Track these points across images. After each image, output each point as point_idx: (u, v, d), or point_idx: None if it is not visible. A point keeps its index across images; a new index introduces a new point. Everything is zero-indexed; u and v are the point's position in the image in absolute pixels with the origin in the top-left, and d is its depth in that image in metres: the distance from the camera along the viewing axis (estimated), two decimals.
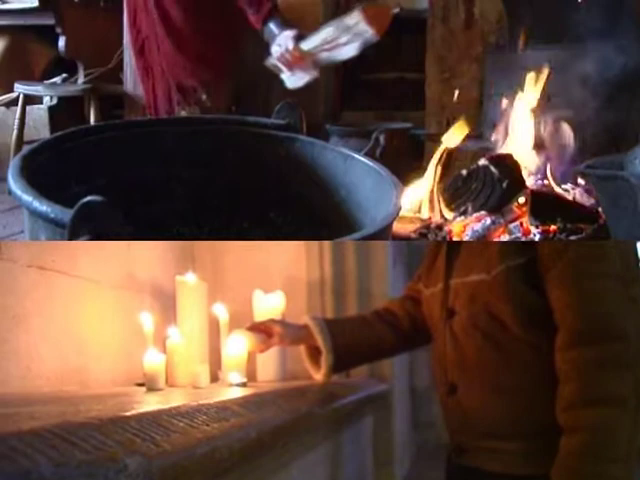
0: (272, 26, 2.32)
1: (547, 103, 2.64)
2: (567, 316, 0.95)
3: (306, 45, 2.26)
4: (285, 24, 2.33)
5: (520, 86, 2.62)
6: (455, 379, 1.07)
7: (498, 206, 2.11)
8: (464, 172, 2.19)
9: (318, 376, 1.30)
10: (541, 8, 2.81)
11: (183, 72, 2.59)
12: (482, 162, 2.19)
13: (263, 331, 1.31)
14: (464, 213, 2.12)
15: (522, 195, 2.13)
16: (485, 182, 2.13)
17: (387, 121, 3.75)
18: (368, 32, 2.19)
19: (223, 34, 2.63)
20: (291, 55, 2.23)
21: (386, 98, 3.94)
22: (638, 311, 0.94)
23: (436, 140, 3.33)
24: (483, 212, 2.06)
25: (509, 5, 3.12)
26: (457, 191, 2.18)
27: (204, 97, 2.56)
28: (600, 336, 0.92)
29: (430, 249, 1.22)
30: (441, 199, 2.20)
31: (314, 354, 1.30)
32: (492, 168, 2.14)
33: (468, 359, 1.05)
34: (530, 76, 2.51)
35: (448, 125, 3.56)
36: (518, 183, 2.16)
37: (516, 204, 2.11)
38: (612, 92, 2.67)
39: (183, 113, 2.59)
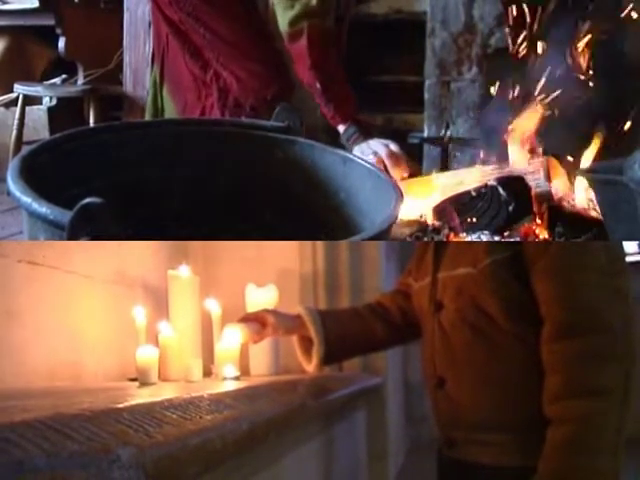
0: (354, 128, 2.21)
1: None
2: (552, 309, 0.96)
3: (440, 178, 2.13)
4: (367, 128, 2.24)
5: None
6: (443, 372, 1.08)
7: (502, 228, 2.11)
8: (473, 192, 2.19)
9: (309, 367, 1.30)
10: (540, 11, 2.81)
11: (258, 83, 2.51)
12: (491, 182, 2.18)
13: (256, 321, 1.31)
14: (465, 230, 2.12)
15: (528, 220, 2.13)
16: (491, 203, 2.12)
17: (386, 124, 3.74)
18: (543, 187, 2.08)
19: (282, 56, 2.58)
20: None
21: (385, 101, 3.94)
22: (624, 303, 0.95)
23: (435, 143, 3.32)
24: (486, 232, 2.07)
25: (509, 8, 3.12)
26: (463, 207, 2.18)
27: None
28: (585, 328, 0.93)
29: (420, 243, 1.23)
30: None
31: (306, 345, 1.30)
32: (500, 190, 2.13)
33: (456, 352, 1.05)
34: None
35: (447, 128, 3.56)
36: (525, 207, 2.15)
37: (523, 226, 2.11)
38: (615, 95, 2.67)
39: None
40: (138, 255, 1.63)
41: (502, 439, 1.00)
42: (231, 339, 1.30)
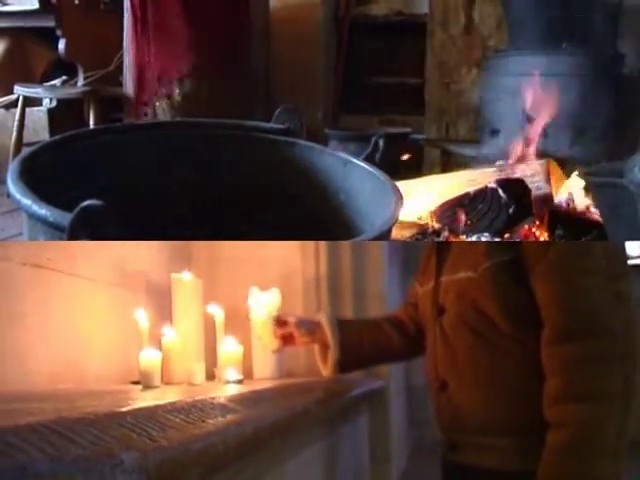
0: None
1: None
2: (552, 312, 0.95)
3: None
4: None
5: None
6: (446, 376, 1.08)
7: (502, 230, 2.10)
8: (471, 192, 2.18)
9: (325, 371, 1.33)
10: (541, 12, 2.81)
11: (167, 59, 2.52)
12: (491, 184, 2.17)
13: (278, 321, 1.37)
14: (465, 232, 2.11)
15: (528, 223, 2.12)
16: (491, 205, 2.11)
17: (386, 126, 3.74)
18: (543, 190, 2.10)
19: (222, 33, 2.57)
20: None
21: (386, 103, 3.95)
22: (625, 307, 0.94)
23: (435, 145, 3.32)
24: (486, 234, 2.06)
25: (509, 10, 3.12)
26: (462, 208, 2.18)
27: (177, 92, 2.49)
28: (585, 332, 0.92)
29: (427, 249, 1.23)
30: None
31: (325, 351, 1.33)
32: (500, 192, 2.12)
33: (458, 356, 1.05)
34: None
35: (447, 130, 3.56)
36: (525, 210, 2.14)
37: (523, 228, 2.10)
38: (613, 97, 2.68)
39: (157, 104, 2.54)
40: (141, 258, 1.63)
41: (503, 443, 1.00)
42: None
